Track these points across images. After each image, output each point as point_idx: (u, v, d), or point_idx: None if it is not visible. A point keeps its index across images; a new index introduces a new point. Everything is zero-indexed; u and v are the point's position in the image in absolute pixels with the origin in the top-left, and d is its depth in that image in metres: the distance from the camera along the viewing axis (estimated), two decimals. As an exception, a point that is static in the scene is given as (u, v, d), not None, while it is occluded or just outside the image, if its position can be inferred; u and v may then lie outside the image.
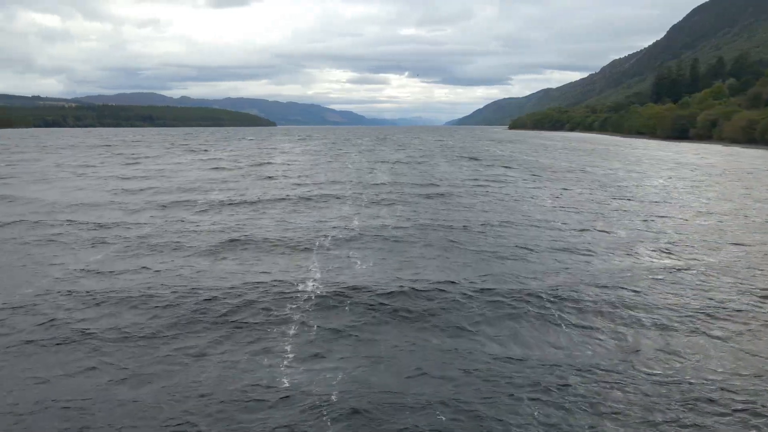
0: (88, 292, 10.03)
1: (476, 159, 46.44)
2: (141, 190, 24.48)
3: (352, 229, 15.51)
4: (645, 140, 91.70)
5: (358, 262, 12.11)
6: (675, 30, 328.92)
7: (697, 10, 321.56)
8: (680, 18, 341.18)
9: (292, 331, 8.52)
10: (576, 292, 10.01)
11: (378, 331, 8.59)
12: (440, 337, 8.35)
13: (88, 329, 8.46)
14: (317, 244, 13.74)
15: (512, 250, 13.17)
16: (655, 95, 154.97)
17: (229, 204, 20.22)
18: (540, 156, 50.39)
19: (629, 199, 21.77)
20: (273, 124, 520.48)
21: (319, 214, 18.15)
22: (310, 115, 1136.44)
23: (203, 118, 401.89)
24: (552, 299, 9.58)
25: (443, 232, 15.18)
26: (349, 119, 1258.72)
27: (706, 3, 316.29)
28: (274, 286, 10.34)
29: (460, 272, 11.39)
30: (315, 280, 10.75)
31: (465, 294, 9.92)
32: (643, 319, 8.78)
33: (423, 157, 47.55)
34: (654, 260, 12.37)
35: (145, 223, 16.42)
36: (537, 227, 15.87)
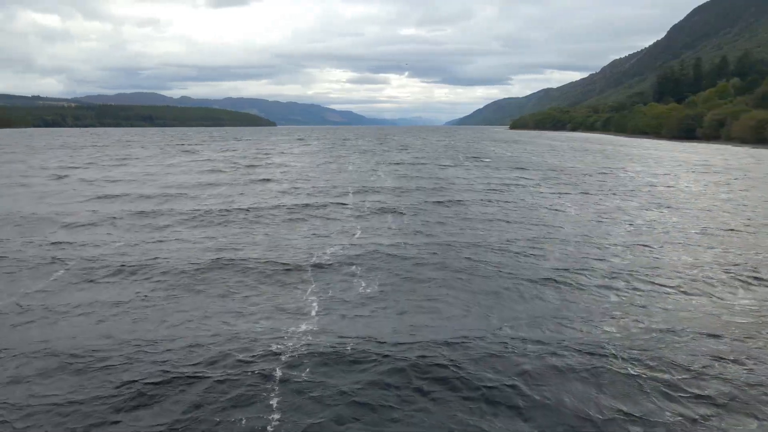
0: (8, 341, 7.86)
1: (483, 160, 44.30)
2: (121, 195, 22.32)
3: (355, 246, 13.35)
4: (651, 140, 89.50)
5: (361, 294, 9.94)
6: (675, 30, 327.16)
7: (698, 10, 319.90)
8: (681, 18, 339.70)
9: (277, 395, 6.41)
10: (657, 342, 7.79)
11: (387, 397, 6.46)
12: (473, 413, 6.20)
13: None
14: (314, 267, 11.56)
15: (548, 274, 10.98)
16: (657, 95, 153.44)
17: (217, 213, 18.05)
18: (550, 157, 48.23)
19: (668, 207, 19.48)
20: (273, 124, 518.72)
21: (317, 227, 15.98)
22: (310, 115, 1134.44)
23: (203, 118, 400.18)
24: (624, 354, 7.39)
25: (460, 251, 13.02)
26: (349, 119, 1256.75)
27: (706, 3, 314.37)
28: (259, 331, 8.18)
29: (489, 308, 9.23)
30: (310, 321, 8.59)
31: (500, 342, 7.76)
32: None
33: (427, 159, 45.42)
34: (744, 294, 10.09)
35: (112, 240, 14.19)
36: (570, 244, 13.68)
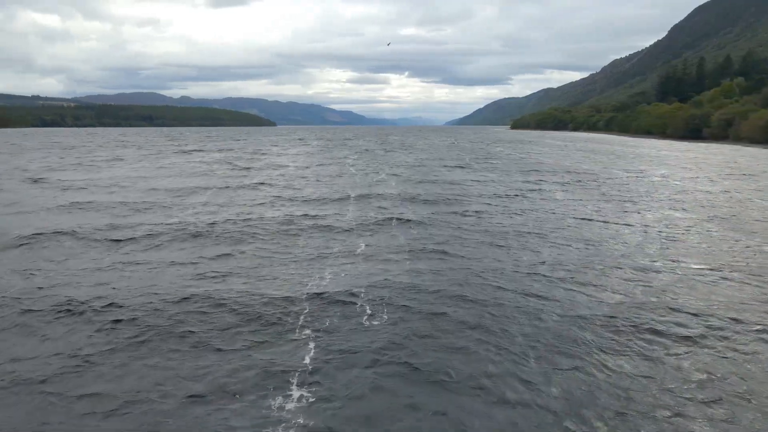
0: None
1: (492, 162, 41.93)
2: (96, 203, 19.93)
3: (359, 272, 11.04)
4: (657, 140, 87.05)
5: (368, 341, 7.63)
6: (676, 30, 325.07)
7: (699, 10, 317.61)
8: (681, 18, 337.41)
9: None
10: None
11: None
12: None
13: None
14: (309, 302, 9.24)
15: (609, 311, 8.64)
16: (660, 94, 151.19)
17: (200, 226, 15.71)
18: (561, 158, 45.82)
19: (720, 219, 16.94)
20: (273, 124, 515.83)
21: (314, 244, 13.64)
22: (310, 115, 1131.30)
23: (203, 118, 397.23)
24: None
25: (485, 276, 10.72)
26: (349, 119, 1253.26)
27: (707, 2, 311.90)
28: (229, 413, 5.85)
29: (540, 366, 6.90)
30: (300, 393, 6.26)
31: None
32: None
33: (434, 161, 42.99)
34: None
35: (65, 265, 11.78)
36: (622, 268, 11.28)
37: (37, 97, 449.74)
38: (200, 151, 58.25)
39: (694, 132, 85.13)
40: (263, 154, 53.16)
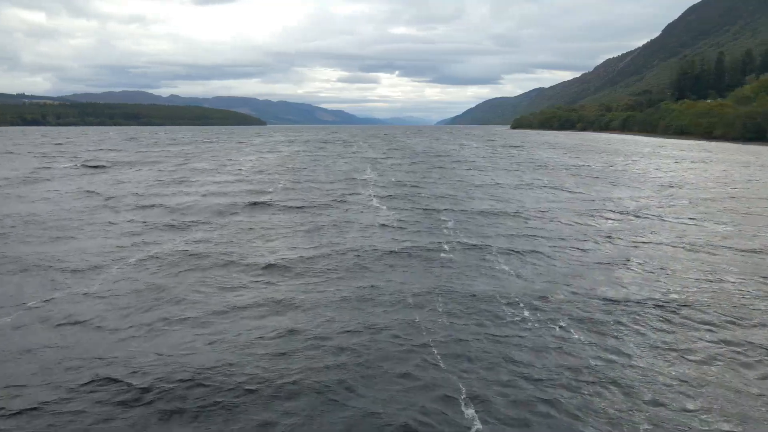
0: None
1: (563, 187, 30.14)
2: None
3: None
4: (710, 142, 74.71)
5: None
6: (670, 29, 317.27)
7: (693, 9, 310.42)
8: (675, 17, 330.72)
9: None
10: None
11: None
12: None
13: None
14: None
15: None
16: (677, 92, 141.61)
17: None
18: (660, 180, 34.02)
19: None
20: (263, 123, 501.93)
21: None
22: (301, 114, 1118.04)
23: (191, 117, 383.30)
24: None
25: None
26: (341, 118, 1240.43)
27: (701, 1, 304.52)
28: None
29: None
30: None
31: None
32: None
33: (487, 186, 31.01)
34: None
35: None
36: None
37: (22, 96, 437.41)
38: (145, 163, 41.17)
39: (756, 133, 72.82)
40: (221, 165, 40.65)
